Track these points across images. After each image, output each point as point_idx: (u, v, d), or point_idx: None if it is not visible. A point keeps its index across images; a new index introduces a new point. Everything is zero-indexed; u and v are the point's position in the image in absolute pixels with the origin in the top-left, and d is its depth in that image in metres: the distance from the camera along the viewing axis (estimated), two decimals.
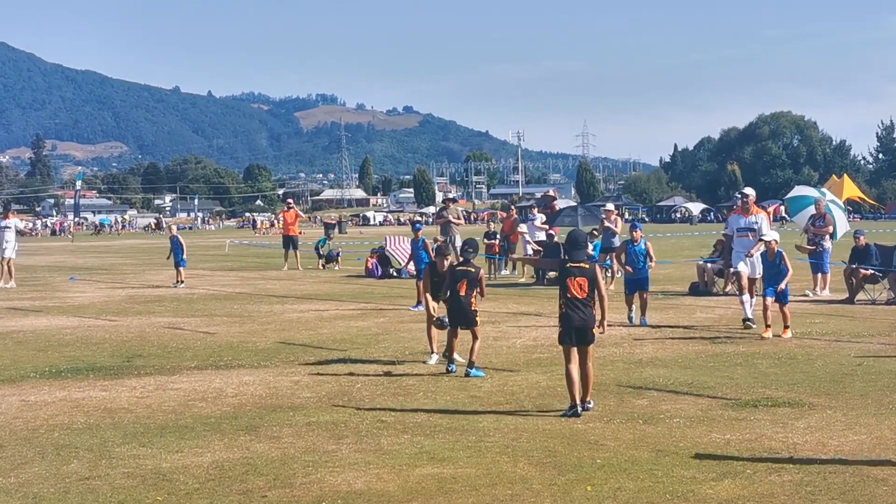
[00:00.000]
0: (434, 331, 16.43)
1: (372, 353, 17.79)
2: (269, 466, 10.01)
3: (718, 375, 14.94)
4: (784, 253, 19.05)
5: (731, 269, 21.91)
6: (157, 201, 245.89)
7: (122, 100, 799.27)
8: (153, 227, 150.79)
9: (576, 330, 12.22)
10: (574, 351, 12.30)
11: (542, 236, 35.51)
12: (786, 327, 18.83)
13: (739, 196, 21.80)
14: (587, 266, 12.36)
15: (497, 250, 36.72)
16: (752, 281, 20.61)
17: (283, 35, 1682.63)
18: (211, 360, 17.09)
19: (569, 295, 12.18)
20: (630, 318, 21.46)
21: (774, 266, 18.92)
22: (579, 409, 11.93)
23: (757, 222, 20.67)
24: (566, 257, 12.64)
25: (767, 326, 18.82)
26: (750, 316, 20.14)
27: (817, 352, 17.07)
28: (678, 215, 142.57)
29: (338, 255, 45.13)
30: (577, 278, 12.17)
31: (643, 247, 21.63)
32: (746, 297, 20.34)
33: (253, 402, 13.46)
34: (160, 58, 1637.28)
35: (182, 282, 34.01)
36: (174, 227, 39.13)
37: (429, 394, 13.84)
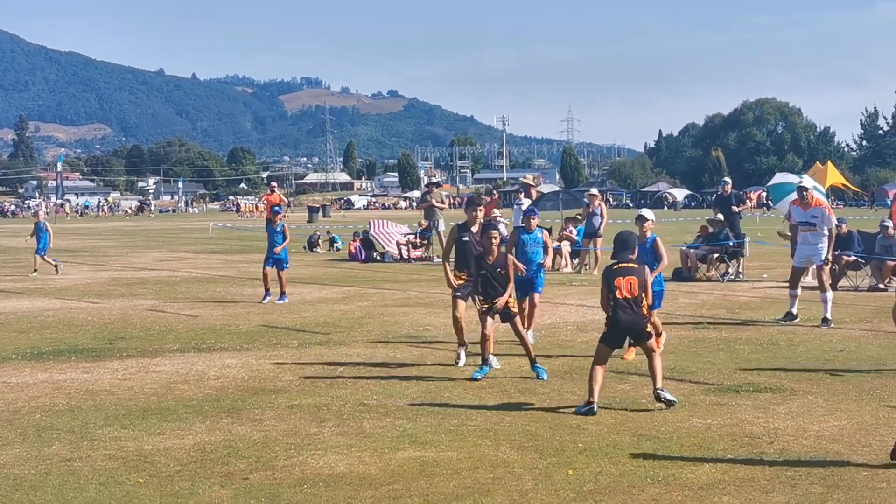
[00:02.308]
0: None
1: (355, 336, 17.80)
2: (250, 449, 10.01)
3: (700, 361, 14.97)
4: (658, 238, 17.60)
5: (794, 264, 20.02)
6: (140, 184, 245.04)
7: (106, 82, 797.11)
8: (135, 210, 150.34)
9: (628, 331, 11.95)
10: (609, 353, 12.09)
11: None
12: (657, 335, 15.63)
13: (797, 186, 20.61)
14: (636, 266, 12.12)
15: None
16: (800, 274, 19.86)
17: (269, 18, 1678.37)
18: (193, 343, 17.07)
19: (618, 296, 11.91)
20: None
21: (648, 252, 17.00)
22: (595, 407, 11.75)
23: (816, 215, 19.60)
24: (612, 258, 12.35)
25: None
26: (794, 311, 19.39)
27: (799, 338, 17.11)
28: (666, 203, 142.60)
29: (327, 237, 45.09)
30: (626, 278, 11.95)
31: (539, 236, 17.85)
32: (797, 291, 19.56)
33: (235, 385, 13.45)
34: (144, 40, 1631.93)
35: (36, 270, 32.51)
36: (42, 213, 38.24)
37: (411, 377, 13.83)
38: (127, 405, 12.24)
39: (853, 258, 25.74)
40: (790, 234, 27.57)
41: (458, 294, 15.05)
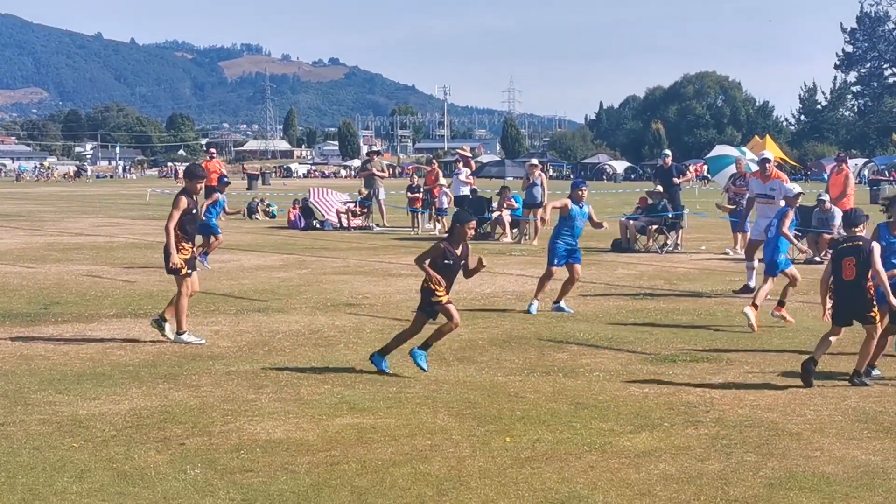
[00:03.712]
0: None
1: (293, 303, 17.73)
2: (187, 415, 9.95)
3: (638, 331, 15.05)
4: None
5: (748, 235, 20.18)
6: (77, 149, 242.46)
7: (43, 45, 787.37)
8: (72, 175, 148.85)
9: (852, 310, 11.73)
10: (840, 329, 11.93)
11: (466, 190, 35.53)
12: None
13: (759, 157, 20.65)
14: (861, 244, 11.97)
15: (420, 204, 36.69)
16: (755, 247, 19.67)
17: None
18: (130, 309, 16.93)
19: (843, 277, 11.84)
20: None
21: None
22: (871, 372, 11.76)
23: (775, 188, 19.52)
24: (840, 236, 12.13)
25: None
26: (752, 284, 19.16)
27: (736, 309, 17.20)
28: (606, 175, 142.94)
29: (262, 204, 44.88)
30: (848, 258, 11.79)
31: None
32: (753, 263, 19.50)
33: (172, 351, 13.36)
34: (82, 3, 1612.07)
35: None
36: None
37: (350, 345, 13.81)
38: (62, 370, 12.12)
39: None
40: (728, 207, 27.88)
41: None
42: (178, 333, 14.01)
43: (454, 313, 12.05)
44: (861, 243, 11.71)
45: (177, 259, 13.93)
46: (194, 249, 14.57)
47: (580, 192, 17.41)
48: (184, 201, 14.17)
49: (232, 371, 12.07)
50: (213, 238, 23.72)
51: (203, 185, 14.89)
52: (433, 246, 12.28)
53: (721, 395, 10.90)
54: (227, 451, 8.71)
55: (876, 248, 11.60)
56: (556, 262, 17.34)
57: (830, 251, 12.72)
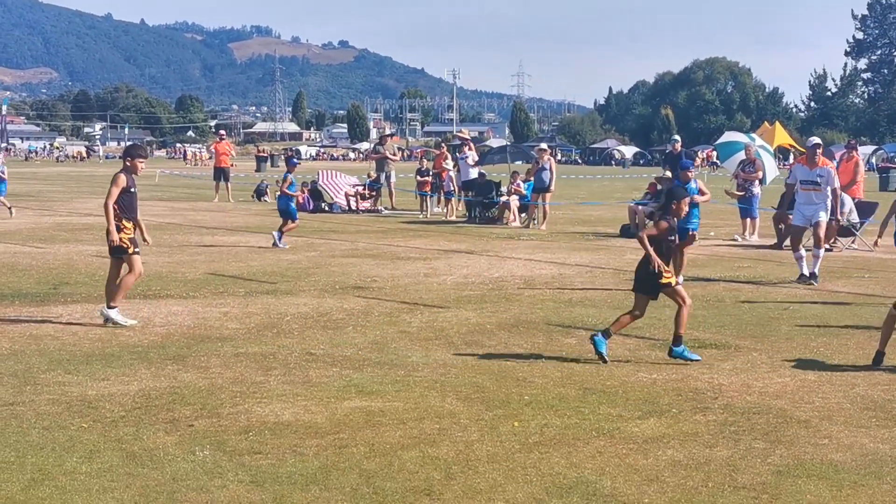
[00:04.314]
0: None
1: (302, 286, 17.74)
2: (196, 396, 9.96)
3: (647, 316, 14.93)
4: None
5: (790, 224, 19.95)
6: (86, 129, 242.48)
7: (53, 25, 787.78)
8: (82, 155, 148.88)
9: None
10: None
11: (474, 174, 35.51)
12: None
13: (810, 144, 19.96)
14: None
15: (429, 187, 36.69)
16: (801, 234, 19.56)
17: None
18: (139, 290, 16.93)
19: None
20: None
21: None
22: (881, 359, 11.77)
23: (822, 175, 19.22)
24: None
25: None
26: (806, 273, 18.93)
27: (745, 295, 17.23)
28: (615, 160, 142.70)
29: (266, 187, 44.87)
30: None
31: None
32: (801, 253, 19.20)
33: (181, 332, 13.38)
34: None
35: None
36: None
37: (358, 328, 13.82)
38: (71, 350, 12.15)
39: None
40: (737, 193, 27.87)
41: None
42: (109, 307, 13.97)
43: (685, 294, 12.12)
44: None
45: (116, 237, 13.90)
46: (141, 230, 14.46)
47: (688, 174, 18.61)
48: (123, 179, 14.14)
49: (241, 353, 12.09)
50: (289, 221, 24.49)
51: (143, 164, 14.74)
52: (659, 223, 12.16)
53: (729, 381, 10.90)
54: (235, 433, 8.72)
55: None
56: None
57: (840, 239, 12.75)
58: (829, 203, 19.38)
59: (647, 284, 12.05)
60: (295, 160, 27.41)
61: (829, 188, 19.22)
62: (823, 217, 19.27)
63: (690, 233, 15.16)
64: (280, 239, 24.08)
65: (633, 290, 12.27)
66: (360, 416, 9.29)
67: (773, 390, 10.52)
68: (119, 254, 14.10)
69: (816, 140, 20.14)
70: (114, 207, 14.01)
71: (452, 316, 14.80)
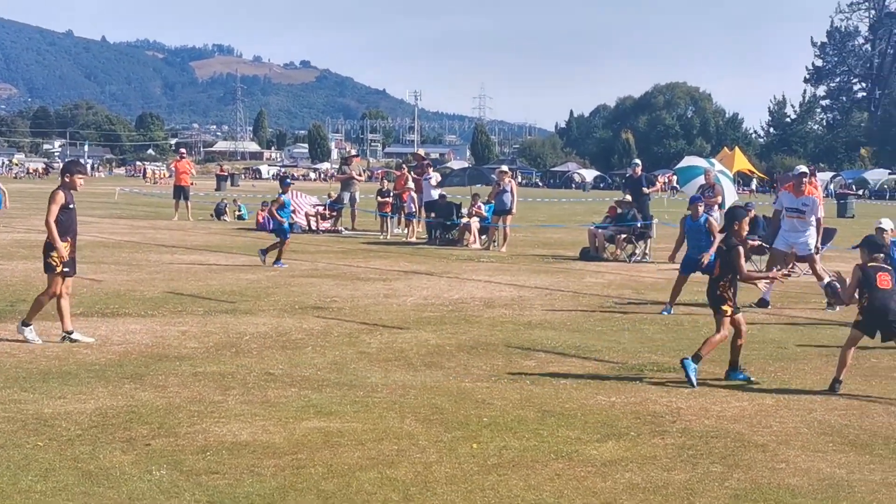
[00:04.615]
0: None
1: (261, 305, 17.68)
2: (153, 415, 9.90)
3: (606, 339, 15.09)
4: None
5: (773, 247, 19.88)
6: (45, 146, 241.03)
7: (13, 41, 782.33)
8: (40, 172, 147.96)
9: (882, 324, 11.85)
10: (861, 337, 12.06)
11: (436, 195, 35.53)
12: None
13: (796, 172, 20.09)
14: (888, 266, 12.19)
15: (390, 208, 36.68)
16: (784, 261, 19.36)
17: None
18: (97, 308, 16.84)
19: (880, 286, 11.81)
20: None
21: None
22: (837, 386, 11.86)
23: (808, 204, 19.36)
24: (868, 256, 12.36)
25: None
26: (768, 298, 19.23)
27: (703, 319, 17.27)
28: (575, 184, 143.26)
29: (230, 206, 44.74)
30: (883, 273, 12.02)
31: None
32: (823, 284, 18.90)
33: (139, 351, 13.30)
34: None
35: None
36: None
37: (317, 348, 13.78)
38: (27, 368, 12.05)
39: (758, 242, 26.02)
40: None
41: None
42: (24, 324, 13.88)
43: (729, 327, 12.51)
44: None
45: (64, 253, 13.83)
46: (73, 249, 14.35)
47: (696, 207, 18.76)
48: (61, 196, 14.01)
49: (199, 372, 12.03)
50: (280, 240, 24.68)
51: (83, 180, 14.65)
52: (733, 252, 12.44)
53: (687, 405, 10.93)
54: (192, 453, 8.67)
55: None
56: (682, 270, 18.62)
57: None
58: (812, 231, 19.52)
59: (713, 303, 12.64)
60: (288, 180, 27.63)
61: (812, 217, 19.36)
62: (810, 249, 19.44)
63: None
64: (264, 255, 24.44)
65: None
66: (318, 437, 9.26)
67: (730, 414, 10.56)
68: (47, 270, 14.01)
69: (804, 168, 20.30)
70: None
71: (412, 337, 14.79)
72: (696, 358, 12.16)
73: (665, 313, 17.85)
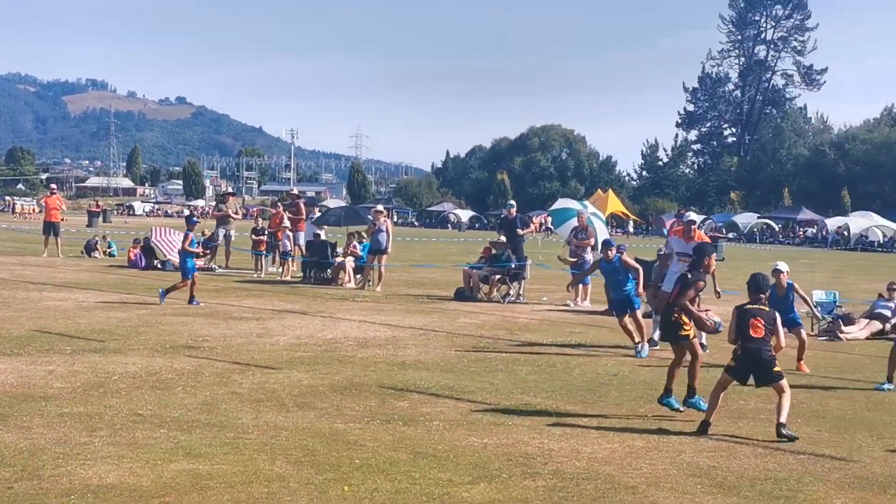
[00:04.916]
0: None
1: (131, 344, 17.40)
2: (16, 457, 9.66)
3: (479, 380, 15.11)
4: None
5: (660, 288, 19.79)
6: None
7: None
8: None
9: (756, 370, 12.10)
10: (731, 382, 12.24)
11: (321, 234, 35.40)
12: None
13: (683, 219, 20.80)
14: (766, 308, 12.37)
15: (264, 247, 36.40)
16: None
17: (54, 14, 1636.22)
18: None
19: (752, 334, 12.06)
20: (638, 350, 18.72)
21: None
22: (707, 428, 11.93)
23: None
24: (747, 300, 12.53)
25: None
26: (656, 337, 19.26)
27: (575, 361, 17.44)
28: (451, 224, 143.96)
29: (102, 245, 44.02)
30: (757, 318, 12.16)
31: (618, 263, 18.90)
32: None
33: (3, 391, 12.98)
34: None
35: None
36: None
37: (188, 388, 13.59)
38: None
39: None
40: (570, 260, 28.29)
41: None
42: None
43: (699, 349, 13.07)
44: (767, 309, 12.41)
45: None
46: None
47: (608, 252, 18.90)
48: None
49: (65, 413, 11.77)
50: (186, 280, 24.62)
51: None
52: (696, 283, 13.05)
53: (559, 446, 10.98)
54: (57, 496, 8.47)
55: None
56: (616, 314, 18.94)
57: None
58: None
59: (670, 333, 13.04)
60: (195, 219, 27.35)
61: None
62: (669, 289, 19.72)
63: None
64: (164, 296, 24.27)
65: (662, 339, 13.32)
66: (187, 479, 9.11)
67: (601, 456, 10.63)
68: None
69: (693, 217, 20.77)
70: None
71: (284, 377, 14.66)
72: (692, 391, 12.84)
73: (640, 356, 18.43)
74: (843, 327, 22.74)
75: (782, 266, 18.40)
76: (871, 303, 24.69)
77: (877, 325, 23.12)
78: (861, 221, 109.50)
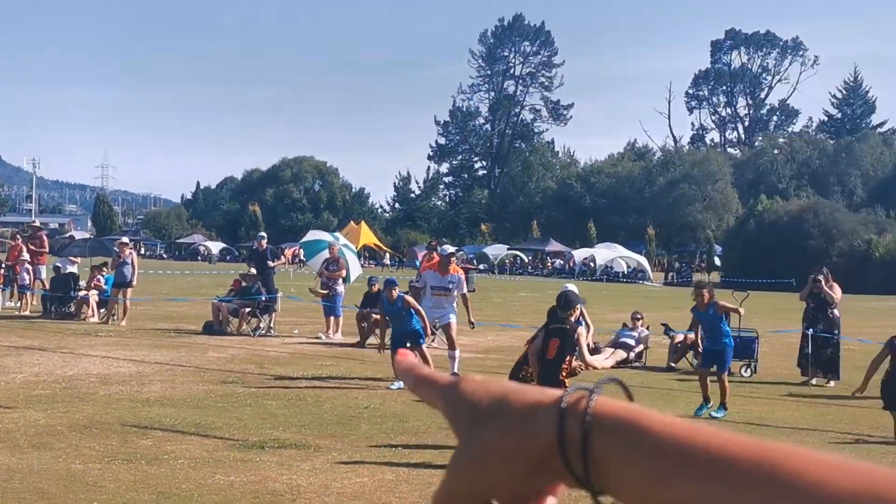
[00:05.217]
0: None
1: None
2: None
3: (227, 416, 14.74)
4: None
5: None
6: None
7: None
8: None
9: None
10: None
11: (74, 268, 34.31)
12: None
13: (441, 252, 21.14)
14: (567, 327, 12.22)
15: (2, 280, 34.99)
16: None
17: None
18: None
19: (548, 356, 11.93)
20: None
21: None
22: None
23: (454, 281, 20.20)
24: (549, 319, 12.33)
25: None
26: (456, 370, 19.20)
27: (326, 394, 17.23)
28: (201, 256, 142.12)
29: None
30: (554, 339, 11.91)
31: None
32: (457, 353, 19.77)
33: None
34: None
35: None
36: None
37: None
38: None
39: (378, 317, 26.32)
40: (321, 292, 28.10)
41: None
42: None
43: None
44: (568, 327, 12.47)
45: None
46: None
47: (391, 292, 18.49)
48: None
49: None
50: None
51: None
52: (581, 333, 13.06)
53: (308, 482, 10.74)
54: None
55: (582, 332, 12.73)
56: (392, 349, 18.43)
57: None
58: (455, 306, 20.40)
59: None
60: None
61: (457, 292, 20.31)
62: (454, 319, 20.13)
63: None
64: None
65: None
66: None
67: (351, 490, 10.44)
68: None
69: (451, 249, 21.18)
70: None
71: (20, 417, 13.99)
72: None
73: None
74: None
75: (572, 286, 18.95)
76: (616, 332, 25.27)
77: (622, 354, 23.70)
78: (606, 252, 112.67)
